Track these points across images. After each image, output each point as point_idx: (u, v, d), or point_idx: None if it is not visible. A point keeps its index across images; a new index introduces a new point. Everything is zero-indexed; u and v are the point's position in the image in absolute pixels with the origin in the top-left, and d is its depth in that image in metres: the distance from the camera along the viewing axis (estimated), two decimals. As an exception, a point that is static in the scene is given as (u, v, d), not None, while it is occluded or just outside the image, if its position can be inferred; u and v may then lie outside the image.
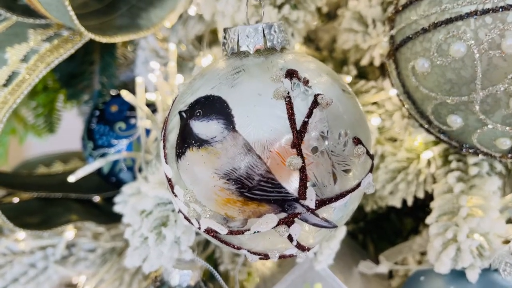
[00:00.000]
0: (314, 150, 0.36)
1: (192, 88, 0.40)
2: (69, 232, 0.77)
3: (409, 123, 0.59)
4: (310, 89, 0.38)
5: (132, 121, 0.78)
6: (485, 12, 0.40)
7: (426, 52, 0.45)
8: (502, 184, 0.58)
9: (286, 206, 0.37)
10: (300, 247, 0.40)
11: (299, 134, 0.36)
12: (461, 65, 0.43)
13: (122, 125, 0.77)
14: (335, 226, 0.40)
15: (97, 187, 0.94)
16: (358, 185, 0.39)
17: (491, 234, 0.51)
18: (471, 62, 0.42)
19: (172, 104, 0.42)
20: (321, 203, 0.37)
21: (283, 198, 0.36)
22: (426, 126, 0.51)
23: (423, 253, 0.67)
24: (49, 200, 0.84)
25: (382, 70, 0.66)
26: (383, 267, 0.62)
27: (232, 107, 0.37)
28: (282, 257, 0.42)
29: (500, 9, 0.40)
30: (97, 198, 0.93)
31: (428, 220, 0.54)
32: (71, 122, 1.19)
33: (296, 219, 0.37)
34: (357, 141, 0.39)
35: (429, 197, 0.83)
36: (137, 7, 0.72)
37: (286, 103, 0.36)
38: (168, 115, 0.42)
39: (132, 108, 0.79)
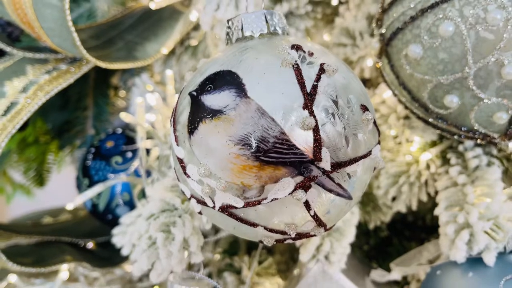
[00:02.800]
0: (326, 111, 0.37)
1: (201, 71, 0.41)
2: (63, 272, 0.74)
3: (405, 124, 0.61)
4: (315, 59, 0.39)
5: (129, 154, 0.78)
6: (467, -9, 0.44)
7: (416, 38, 0.48)
8: (502, 176, 0.59)
9: (302, 169, 0.37)
10: (317, 219, 0.39)
11: (309, 96, 0.37)
12: (452, 44, 0.46)
13: (118, 159, 0.77)
14: (350, 197, 0.40)
15: (90, 233, 0.91)
16: (370, 153, 0.40)
17: (501, 218, 0.51)
18: (460, 39, 0.45)
19: (181, 92, 0.43)
20: (336, 165, 0.37)
21: (299, 160, 0.36)
22: (423, 115, 0.53)
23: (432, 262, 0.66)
24: (42, 243, 0.81)
25: (371, 83, 0.69)
26: (395, 274, 0.60)
27: (243, 77, 0.38)
28: (299, 235, 0.41)
29: (480, -13, 0.43)
30: (90, 244, 0.90)
31: (437, 211, 0.54)
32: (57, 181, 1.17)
33: (312, 183, 0.37)
34: (365, 108, 0.40)
35: (431, 218, 0.83)
36: (133, 42, 0.76)
37: (294, 70, 0.38)
38: (177, 101, 0.43)
39: (127, 142, 0.79)
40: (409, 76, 0.50)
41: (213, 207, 0.39)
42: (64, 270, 0.74)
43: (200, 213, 0.43)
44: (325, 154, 0.37)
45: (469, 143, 0.60)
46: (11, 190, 1.20)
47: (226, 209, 0.39)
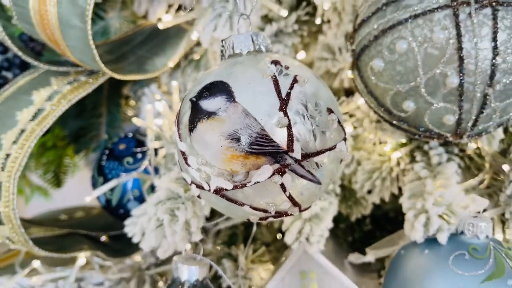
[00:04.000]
0: (297, 113, 0.47)
1: (199, 81, 0.51)
2: (81, 259, 0.83)
3: (377, 126, 0.71)
4: (290, 72, 0.49)
5: (139, 155, 0.88)
6: (417, 16, 0.54)
7: (379, 54, 0.58)
8: (463, 172, 0.69)
9: (278, 158, 0.46)
10: (292, 200, 0.49)
11: (284, 101, 0.47)
12: (406, 58, 0.55)
13: (129, 159, 0.87)
14: (319, 182, 0.50)
15: (102, 227, 1.01)
16: (334, 146, 0.49)
17: (454, 205, 0.60)
18: (412, 54, 0.55)
19: (184, 99, 0.53)
20: (305, 156, 0.47)
21: (276, 151, 0.46)
22: (388, 118, 0.63)
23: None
24: (61, 235, 0.90)
25: (348, 93, 0.79)
26: (369, 257, 0.70)
27: (232, 86, 0.48)
28: (278, 213, 0.50)
29: (428, 12, 0.53)
30: (103, 238, 1.00)
31: (401, 200, 0.63)
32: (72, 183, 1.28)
33: (287, 169, 0.47)
34: (330, 111, 0.50)
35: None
36: (143, 56, 0.86)
37: (273, 80, 0.47)
38: (181, 106, 0.53)
39: (137, 145, 0.89)
40: (374, 85, 0.60)
41: (209, 190, 0.49)
42: (82, 257, 0.84)
43: (199, 196, 0.53)
44: (297, 146, 0.46)
45: (433, 143, 0.70)
46: (29, 192, 1.31)
47: (219, 191, 0.49)
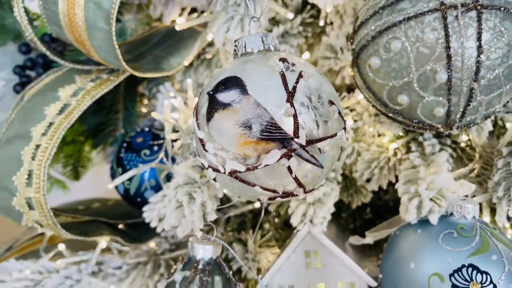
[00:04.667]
0: (302, 104, 0.53)
1: (215, 77, 0.58)
2: (102, 242, 0.90)
3: (375, 120, 0.77)
4: (296, 68, 0.56)
5: (155, 148, 0.94)
6: (409, 18, 0.60)
7: (376, 52, 0.64)
8: (454, 161, 0.75)
9: (286, 143, 0.53)
10: (298, 181, 0.55)
11: (290, 93, 0.53)
12: (400, 56, 0.62)
13: (146, 151, 0.94)
14: (321, 166, 0.56)
15: (120, 216, 1.08)
16: (335, 134, 0.56)
17: (444, 189, 0.66)
18: (405, 53, 0.61)
19: (201, 92, 0.60)
20: (309, 142, 0.53)
21: (283, 137, 0.52)
22: (385, 111, 0.69)
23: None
24: (83, 221, 0.97)
25: (349, 89, 0.85)
26: (368, 239, 0.76)
27: (245, 80, 0.54)
28: (285, 194, 0.56)
29: (419, 15, 0.60)
30: (120, 226, 1.07)
31: (397, 185, 0.70)
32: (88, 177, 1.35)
33: (293, 154, 0.53)
34: (331, 103, 0.56)
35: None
36: (159, 56, 0.93)
37: (281, 75, 0.54)
38: (199, 99, 0.59)
39: (154, 138, 0.96)
40: (372, 81, 0.67)
41: (224, 173, 0.55)
42: (103, 241, 0.91)
43: (214, 179, 0.59)
44: (302, 133, 0.53)
45: (428, 135, 0.76)
46: (48, 185, 1.38)
47: (233, 173, 0.55)
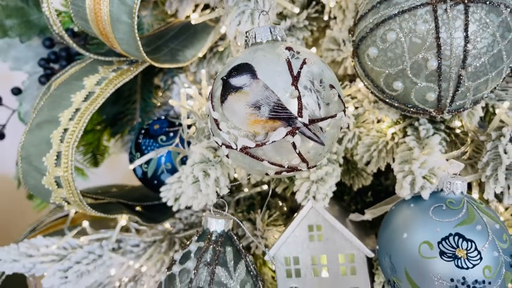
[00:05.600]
0: (305, 88, 0.60)
1: (228, 64, 0.65)
2: (122, 220, 0.97)
3: (375, 106, 0.84)
4: (300, 56, 0.62)
5: (171, 134, 1.02)
6: (403, 11, 0.67)
7: (374, 43, 0.71)
8: (447, 145, 0.81)
9: (291, 122, 0.59)
10: (301, 156, 0.62)
11: (295, 77, 0.60)
12: (395, 46, 0.68)
13: (163, 137, 1.01)
14: (322, 143, 0.63)
15: (137, 199, 1.15)
16: (335, 115, 0.63)
17: (435, 168, 0.72)
18: (400, 43, 0.67)
19: (215, 78, 0.67)
20: (312, 121, 0.60)
21: (289, 117, 0.59)
22: (382, 97, 0.75)
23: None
24: (104, 203, 1.05)
25: (350, 79, 0.92)
26: (367, 216, 0.82)
27: (255, 66, 0.61)
28: (290, 168, 0.63)
29: (412, 8, 0.66)
30: (137, 208, 1.14)
31: (393, 165, 0.76)
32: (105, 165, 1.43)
33: (297, 131, 0.60)
34: (332, 87, 0.63)
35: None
36: (175, 49, 1.00)
37: (287, 62, 0.61)
38: (213, 84, 0.66)
39: (170, 125, 1.03)
40: (370, 69, 0.73)
41: (236, 149, 0.62)
42: (123, 219, 0.98)
43: (227, 156, 0.66)
44: (305, 113, 0.59)
45: (423, 120, 0.83)
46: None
47: (244, 149, 0.62)
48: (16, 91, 1.30)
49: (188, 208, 1.09)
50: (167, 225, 1.08)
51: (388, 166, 0.86)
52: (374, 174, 0.98)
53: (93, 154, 1.29)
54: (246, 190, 1.05)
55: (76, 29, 1.13)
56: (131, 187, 1.28)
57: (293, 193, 0.86)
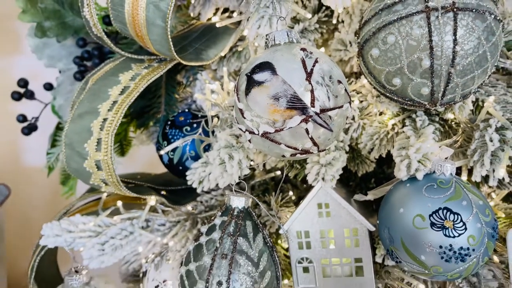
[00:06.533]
0: (317, 82, 0.72)
1: (251, 62, 0.76)
2: (151, 201, 1.09)
3: (377, 100, 0.95)
4: (313, 56, 0.74)
5: (194, 125, 1.14)
6: (401, 18, 0.78)
7: (376, 45, 0.82)
8: (442, 135, 0.92)
9: (304, 111, 0.71)
10: (313, 141, 0.73)
11: (309, 74, 0.71)
12: (394, 48, 0.79)
13: (187, 128, 1.13)
14: (331, 130, 0.74)
15: (163, 184, 1.27)
16: (342, 106, 0.74)
17: (429, 153, 0.83)
18: (398, 45, 0.79)
19: (240, 75, 0.78)
20: (323, 110, 0.71)
21: (303, 107, 0.71)
22: (383, 92, 0.86)
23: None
24: (133, 186, 1.17)
25: (356, 76, 1.03)
26: (370, 196, 0.94)
27: (274, 64, 0.72)
28: (303, 151, 0.75)
29: (409, 15, 0.77)
30: (163, 192, 1.26)
31: (392, 151, 0.87)
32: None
33: (310, 119, 0.71)
34: (340, 82, 0.74)
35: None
36: (199, 48, 1.12)
37: (301, 61, 0.72)
38: (238, 79, 0.78)
39: (193, 118, 1.15)
40: (373, 67, 0.84)
41: (258, 134, 0.74)
42: (152, 200, 1.10)
43: (249, 141, 0.78)
44: (317, 104, 0.71)
45: (420, 113, 0.94)
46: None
47: (264, 134, 0.73)
48: (48, 86, 1.43)
49: (207, 192, 1.21)
50: (189, 207, 1.20)
51: (389, 156, 0.97)
52: (377, 163, 1.09)
53: (121, 143, 1.41)
54: (259, 177, 1.16)
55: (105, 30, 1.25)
56: (154, 175, 1.40)
57: (303, 181, 0.98)
